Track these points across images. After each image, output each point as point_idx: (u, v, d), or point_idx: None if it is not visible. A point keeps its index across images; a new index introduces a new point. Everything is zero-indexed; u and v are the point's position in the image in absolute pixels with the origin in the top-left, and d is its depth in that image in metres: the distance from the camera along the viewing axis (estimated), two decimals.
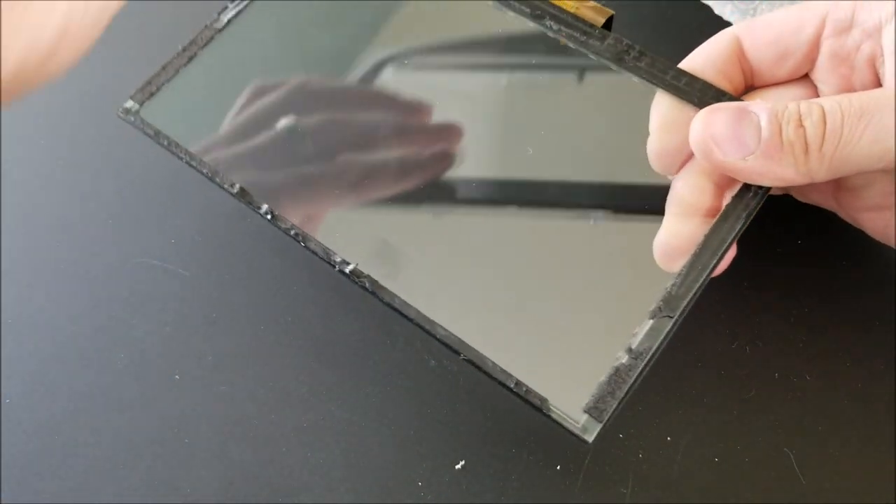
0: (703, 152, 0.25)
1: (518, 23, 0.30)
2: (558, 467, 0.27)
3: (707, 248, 0.24)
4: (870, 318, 0.29)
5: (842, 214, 0.28)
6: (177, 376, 0.29)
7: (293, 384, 0.29)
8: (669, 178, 0.27)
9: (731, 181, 0.26)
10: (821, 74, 0.26)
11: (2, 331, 0.30)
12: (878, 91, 0.24)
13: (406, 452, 0.27)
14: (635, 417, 0.28)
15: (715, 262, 0.24)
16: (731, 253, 0.26)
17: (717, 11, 0.36)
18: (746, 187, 0.25)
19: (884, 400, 0.28)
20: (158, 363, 0.30)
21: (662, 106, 0.27)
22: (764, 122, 0.24)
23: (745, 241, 0.30)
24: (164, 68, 0.31)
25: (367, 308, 0.30)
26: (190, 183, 0.33)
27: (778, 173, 0.24)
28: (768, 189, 0.25)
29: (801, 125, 0.23)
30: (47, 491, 0.27)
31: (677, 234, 0.25)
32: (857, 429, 0.27)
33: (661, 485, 0.26)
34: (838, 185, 0.27)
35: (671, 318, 0.24)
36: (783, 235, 0.30)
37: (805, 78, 0.27)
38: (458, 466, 0.27)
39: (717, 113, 0.24)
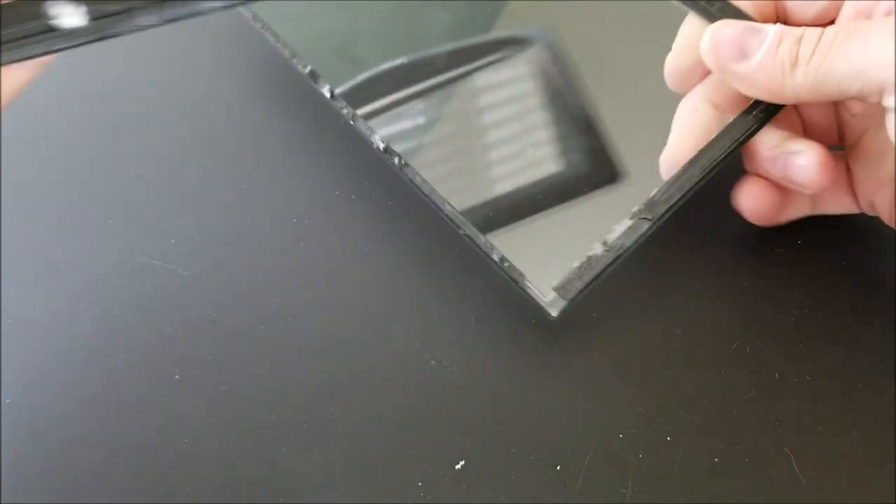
0: (706, 54, 0.26)
1: None
2: (558, 467, 0.27)
3: (697, 161, 0.26)
4: (870, 318, 0.29)
5: (856, 204, 0.29)
6: (177, 376, 0.29)
7: (293, 384, 0.29)
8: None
9: (732, 106, 0.27)
10: (843, 22, 0.27)
11: (2, 331, 0.30)
12: (877, 19, 0.25)
13: (406, 452, 0.27)
14: (635, 417, 0.28)
15: (702, 175, 0.26)
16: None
17: None
18: (748, 109, 0.27)
19: (884, 400, 0.28)
20: (158, 363, 0.30)
21: (688, 26, 0.28)
22: (769, 38, 0.25)
23: (746, 241, 0.30)
24: None
25: (366, 308, 0.30)
26: (190, 182, 0.33)
27: (766, 83, 0.26)
28: (772, 112, 0.27)
29: (798, 42, 0.25)
30: (47, 491, 0.27)
31: (678, 149, 0.27)
32: (858, 429, 0.27)
33: (661, 485, 0.26)
34: (856, 157, 0.28)
35: (649, 220, 0.26)
36: (783, 236, 0.30)
37: (831, 24, 0.27)
38: (457, 466, 0.27)
39: (731, 23, 0.26)
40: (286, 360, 0.29)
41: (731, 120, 0.27)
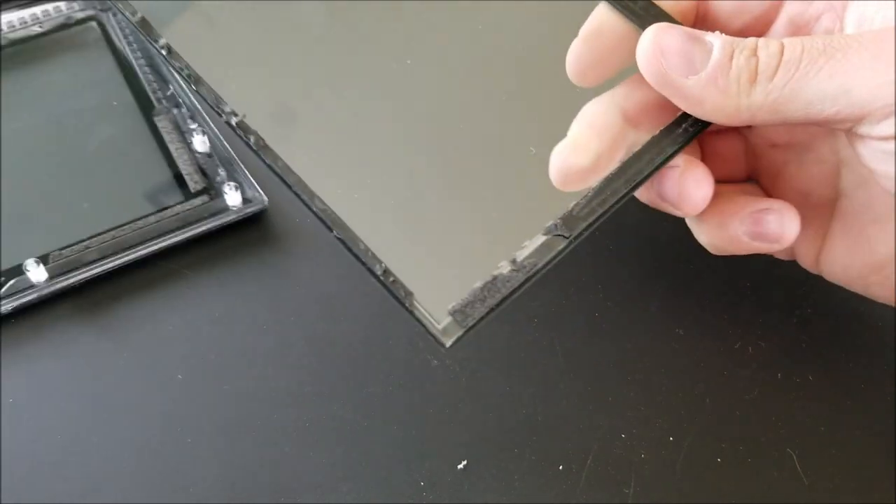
0: (647, 62, 0.23)
1: None
2: (560, 467, 0.27)
3: (621, 175, 0.23)
4: (871, 318, 0.29)
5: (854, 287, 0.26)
6: (178, 376, 0.29)
7: (294, 384, 0.29)
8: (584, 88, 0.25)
9: (644, 115, 0.24)
10: (775, 37, 0.24)
11: (2, 331, 0.30)
12: (845, 34, 0.22)
13: (408, 452, 0.27)
14: (637, 418, 0.28)
15: (627, 191, 0.23)
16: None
17: None
18: (677, 122, 0.23)
19: (884, 400, 0.28)
20: (158, 363, 0.29)
21: (599, 14, 0.25)
22: (717, 47, 0.22)
23: None
24: None
25: (368, 308, 0.30)
26: None
27: (717, 101, 0.22)
28: (701, 128, 0.23)
29: (754, 54, 0.22)
30: (47, 491, 0.27)
31: (577, 148, 0.24)
32: (859, 429, 0.27)
33: (663, 485, 0.26)
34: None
35: (566, 238, 0.22)
36: None
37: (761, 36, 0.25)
38: (460, 466, 0.27)
39: (672, 29, 0.23)
40: (287, 360, 0.29)
41: (653, 134, 0.24)
